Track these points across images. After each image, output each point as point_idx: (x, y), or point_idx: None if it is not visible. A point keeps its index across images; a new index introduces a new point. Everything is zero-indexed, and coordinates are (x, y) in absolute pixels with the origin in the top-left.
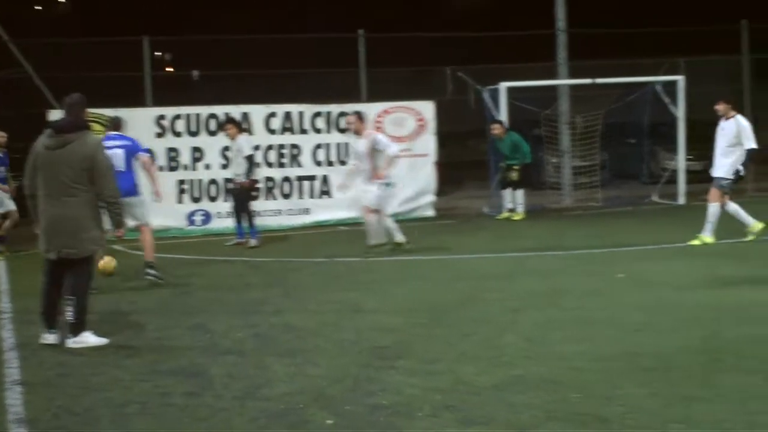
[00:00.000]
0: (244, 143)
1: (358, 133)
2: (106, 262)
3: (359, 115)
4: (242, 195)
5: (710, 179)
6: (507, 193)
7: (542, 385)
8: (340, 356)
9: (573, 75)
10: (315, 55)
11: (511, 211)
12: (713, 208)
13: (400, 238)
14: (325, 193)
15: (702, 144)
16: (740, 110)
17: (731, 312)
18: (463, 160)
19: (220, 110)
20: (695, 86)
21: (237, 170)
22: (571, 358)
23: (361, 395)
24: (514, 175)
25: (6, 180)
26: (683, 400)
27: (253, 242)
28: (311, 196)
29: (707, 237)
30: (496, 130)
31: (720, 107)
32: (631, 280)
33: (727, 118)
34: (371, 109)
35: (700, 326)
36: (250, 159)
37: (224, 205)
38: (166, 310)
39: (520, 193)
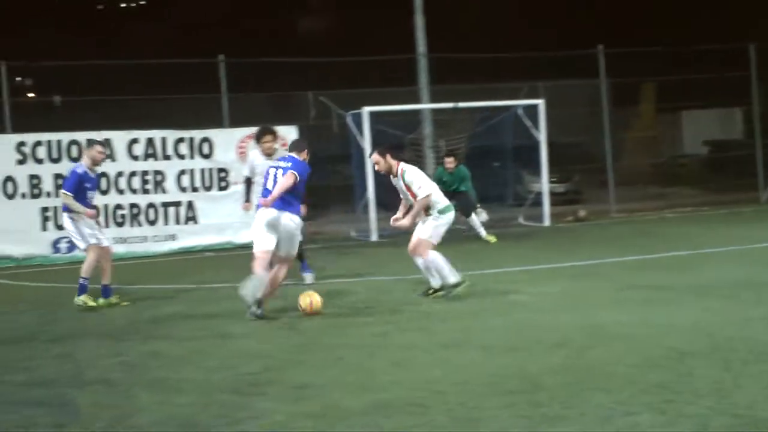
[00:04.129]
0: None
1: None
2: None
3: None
4: None
5: (573, 201)
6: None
7: (409, 409)
8: (207, 383)
9: (436, 99)
10: (177, 80)
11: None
12: None
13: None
14: (191, 219)
15: (564, 166)
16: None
17: (595, 332)
18: (327, 185)
19: (81, 136)
20: (555, 109)
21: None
22: (438, 382)
23: (229, 422)
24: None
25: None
26: (548, 421)
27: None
28: (177, 222)
29: None
30: (450, 163)
31: None
32: (497, 302)
33: None
34: (234, 135)
35: (564, 346)
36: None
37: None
38: (33, 340)
39: (476, 217)
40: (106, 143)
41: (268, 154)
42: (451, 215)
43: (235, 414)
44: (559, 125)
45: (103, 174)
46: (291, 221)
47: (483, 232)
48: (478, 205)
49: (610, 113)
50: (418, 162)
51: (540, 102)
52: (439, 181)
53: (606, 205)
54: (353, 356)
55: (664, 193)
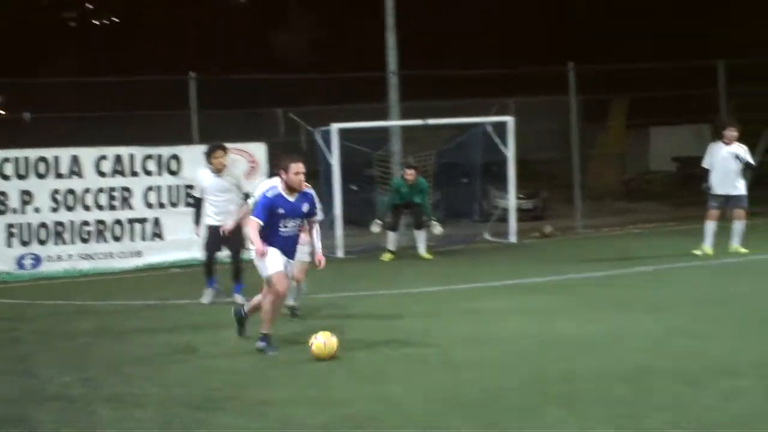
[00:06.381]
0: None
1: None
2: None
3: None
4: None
5: (540, 217)
6: (394, 235)
7: (370, 424)
8: (169, 399)
9: (405, 116)
10: (146, 97)
11: (393, 252)
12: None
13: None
14: (157, 235)
15: (532, 183)
16: None
17: (557, 347)
18: None
19: (49, 153)
20: (525, 126)
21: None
22: (400, 396)
23: None
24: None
25: None
26: None
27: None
28: (143, 239)
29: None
30: (410, 175)
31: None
32: (461, 318)
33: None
34: (203, 151)
35: (527, 361)
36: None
37: (55, 249)
38: None
39: (424, 231)
40: (74, 160)
41: (219, 170)
42: None
43: (195, 429)
44: (528, 142)
45: (71, 191)
46: None
47: (422, 248)
48: (433, 219)
49: (580, 130)
50: (386, 179)
51: (509, 119)
52: (397, 192)
53: (572, 221)
54: (315, 372)
55: (631, 208)
